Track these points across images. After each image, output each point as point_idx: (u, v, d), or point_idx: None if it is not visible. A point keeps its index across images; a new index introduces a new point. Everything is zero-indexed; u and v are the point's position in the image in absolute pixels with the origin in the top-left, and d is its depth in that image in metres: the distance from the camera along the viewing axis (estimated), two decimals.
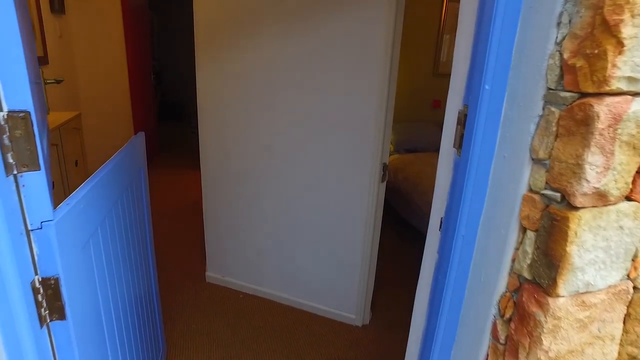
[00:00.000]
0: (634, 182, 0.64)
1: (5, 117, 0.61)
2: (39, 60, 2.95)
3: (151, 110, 4.89)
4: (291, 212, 2.18)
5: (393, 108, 1.85)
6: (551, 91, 0.63)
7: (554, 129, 0.63)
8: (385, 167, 1.92)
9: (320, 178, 2.05)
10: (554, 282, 0.64)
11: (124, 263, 1.17)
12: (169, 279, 2.51)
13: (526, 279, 0.70)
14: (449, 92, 0.88)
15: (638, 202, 0.66)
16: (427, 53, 3.82)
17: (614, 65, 0.55)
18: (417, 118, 3.91)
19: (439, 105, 3.95)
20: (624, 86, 0.57)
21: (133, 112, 4.22)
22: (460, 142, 0.79)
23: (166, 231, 3.11)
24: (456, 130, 0.81)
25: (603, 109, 0.57)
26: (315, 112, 1.95)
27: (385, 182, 1.97)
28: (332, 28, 1.80)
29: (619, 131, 0.59)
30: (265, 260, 2.34)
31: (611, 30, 0.54)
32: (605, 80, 0.56)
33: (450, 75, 0.86)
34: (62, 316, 0.72)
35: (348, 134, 1.91)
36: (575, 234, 0.62)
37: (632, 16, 0.53)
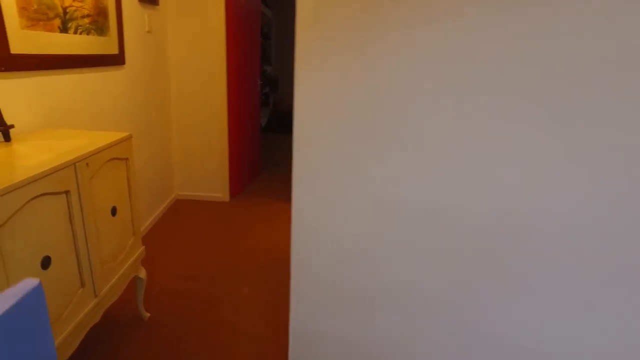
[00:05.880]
0: None
1: None
2: (109, 59, 2.29)
3: (254, 122, 4.17)
4: None
5: None
6: None
7: None
8: None
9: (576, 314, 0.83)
10: None
11: None
12: None
13: None
14: None
15: None
16: None
17: None
18: None
19: None
20: None
21: (229, 124, 3.51)
22: None
23: (245, 303, 2.20)
24: None
25: None
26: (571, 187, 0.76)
27: None
28: None
29: None
30: None
31: None
32: None
33: None
34: None
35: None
36: None
37: None
